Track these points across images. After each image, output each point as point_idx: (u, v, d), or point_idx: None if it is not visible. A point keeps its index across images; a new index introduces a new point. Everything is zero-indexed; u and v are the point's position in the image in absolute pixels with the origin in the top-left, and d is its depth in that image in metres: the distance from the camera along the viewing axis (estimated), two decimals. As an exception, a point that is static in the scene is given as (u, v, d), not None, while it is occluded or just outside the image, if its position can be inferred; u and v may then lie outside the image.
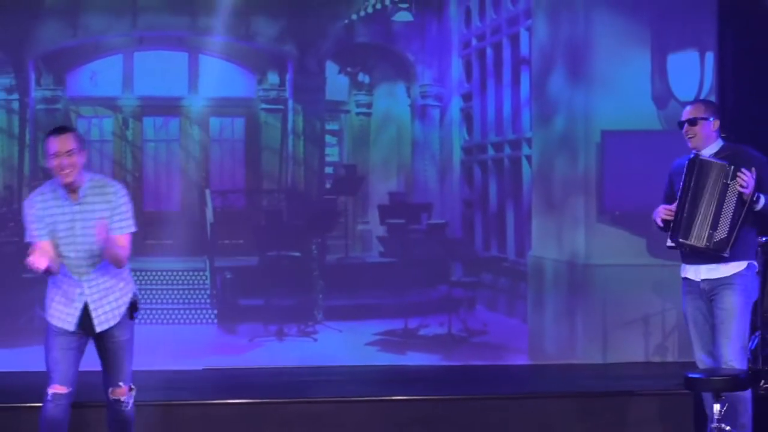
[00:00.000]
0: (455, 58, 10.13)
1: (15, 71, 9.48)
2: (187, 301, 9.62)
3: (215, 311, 9.54)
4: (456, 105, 10.09)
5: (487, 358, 9.00)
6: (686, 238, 5.84)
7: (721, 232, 5.77)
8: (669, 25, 8.77)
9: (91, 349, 5.58)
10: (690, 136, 5.95)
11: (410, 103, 10.08)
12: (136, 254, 5.96)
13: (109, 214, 5.45)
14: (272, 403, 6.96)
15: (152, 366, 7.49)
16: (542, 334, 9.02)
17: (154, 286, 9.38)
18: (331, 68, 10.04)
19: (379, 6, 9.85)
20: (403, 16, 9.94)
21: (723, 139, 6.01)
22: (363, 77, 10.20)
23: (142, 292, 7.19)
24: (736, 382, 5.58)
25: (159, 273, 9.54)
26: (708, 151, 5.93)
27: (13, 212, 9.33)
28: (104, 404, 5.69)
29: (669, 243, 5.94)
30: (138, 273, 7.57)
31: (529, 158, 9.39)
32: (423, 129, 10.09)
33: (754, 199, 5.74)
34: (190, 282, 9.73)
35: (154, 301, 9.34)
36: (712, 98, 8.53)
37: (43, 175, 8.97)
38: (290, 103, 10.02)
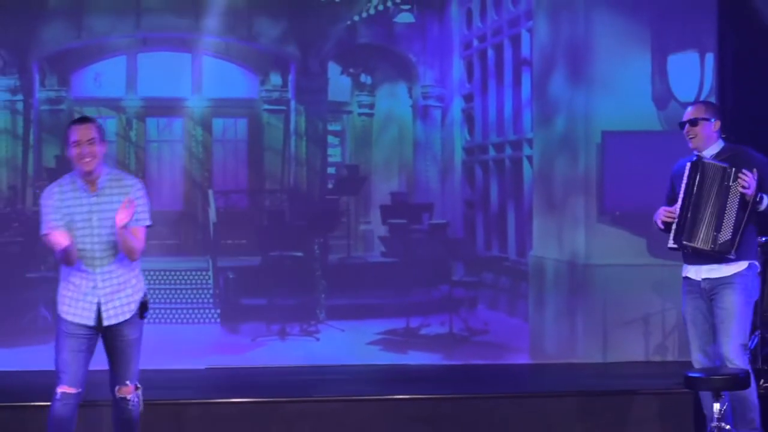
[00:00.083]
0: (456, 59, 10.15)
1: (19, 72, 9.49)
2: (190, 300, 9.63)
3: (218, 311, 9.55)
4: (457, 106, 10.11)
5: (489, 357, 9.01)
6: (690, 241, 5.83)
7: (725, 234, 5.77)
8: (669, 25, 8.77)
9: (97, 348, 5.57)
10: (691, 136, 5.96)
11: (412, 103, 10.10)
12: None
13: None
14: (275, 402, 6.96)
15: (155, 365, 7.49)
16: (543, 334, 9.03)
17: (157, 286, 9.38)
18: (333, 69, 10.06)
19: (381, 7, 9.87)
20: (404, 18, 9.96)
21: (724, 140, 6.03)
22: (365, 78, 10.22)
23: (146, 291, 7.19)
24: (736, 381, 5.57)
25: (162, 273, 9.56)
26: (709, 152, 5.94)
27: (17, 212, 9.37)
28: (110, 403, 5.71)
29: (671, 244, 5.93)
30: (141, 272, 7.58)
31: (530, 159, 9.39)
32: (425, 129, 10.11)
33: (757, 199, 5.75)
34: (193, 282, 9.75)
35: (157, 300, 9.31)
36: (712, 99, 8.53)
37: (46, 176, 9.01)
38: (293, 103, 10.03)
